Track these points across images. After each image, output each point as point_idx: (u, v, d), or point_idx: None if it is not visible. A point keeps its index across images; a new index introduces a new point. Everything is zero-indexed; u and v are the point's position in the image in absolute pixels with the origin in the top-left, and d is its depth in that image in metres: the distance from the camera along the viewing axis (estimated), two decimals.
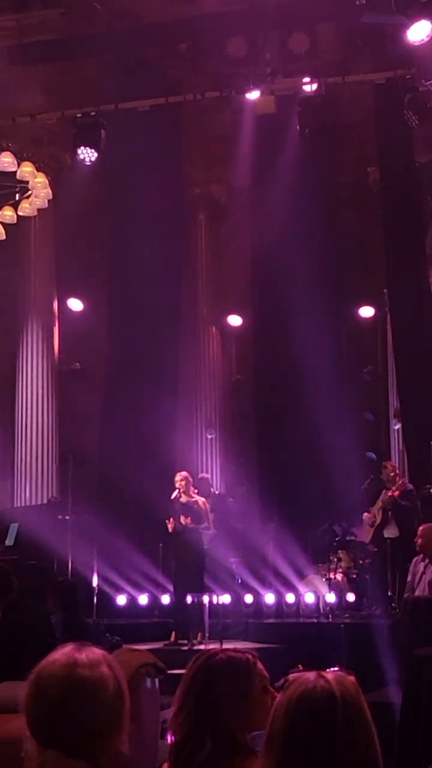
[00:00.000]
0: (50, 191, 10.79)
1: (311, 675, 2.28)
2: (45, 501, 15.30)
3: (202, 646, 10.97)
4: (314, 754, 2.15)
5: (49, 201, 11.07)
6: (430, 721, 6.05)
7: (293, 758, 2.17)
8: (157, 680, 6.59)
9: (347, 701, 2.22)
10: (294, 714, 2.20)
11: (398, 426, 16.68)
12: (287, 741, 2.19)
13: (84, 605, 13.42)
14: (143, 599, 14.35)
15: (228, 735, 2.87)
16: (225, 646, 10.88)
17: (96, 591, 13.88)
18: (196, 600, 11.82)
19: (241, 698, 3.01)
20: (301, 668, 2.37)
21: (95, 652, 2.50)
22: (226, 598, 13.69)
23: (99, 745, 2.39)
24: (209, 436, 17.59)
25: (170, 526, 12.41)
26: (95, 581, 13.88)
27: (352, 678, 2.31)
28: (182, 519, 12.34)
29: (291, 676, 2.31)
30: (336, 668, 2.37)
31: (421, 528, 11.22)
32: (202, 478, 15.56)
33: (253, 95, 13.63)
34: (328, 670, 2.35)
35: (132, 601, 14.35)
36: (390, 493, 13.28)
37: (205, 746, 2.83)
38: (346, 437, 16.30)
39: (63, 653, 2.46)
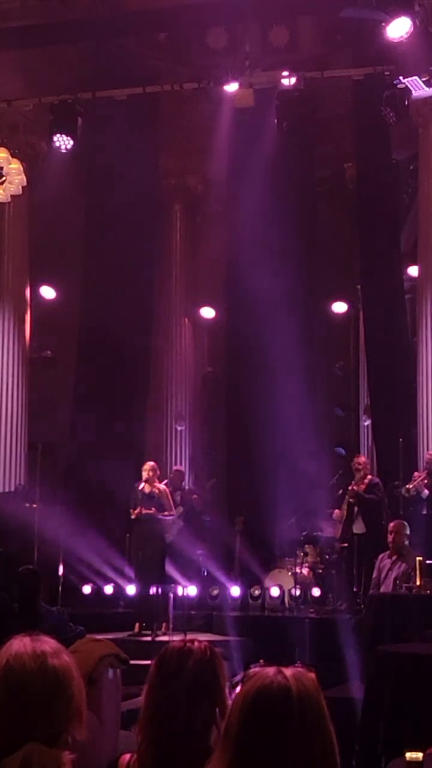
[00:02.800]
0: (24, 178, 10.71)
1: (270, 670, 2.26)
2: (12, 489, 15.21)
3: (165, 638, 10.97)
4: (268, 750, 2.14)
5: (23, 188, 10.97)
6: (392, 717, 6.07)
7: (247, 753, 2.15)
8: (119, 671, 6.57)
9: (304, 698, 2.20)
10: (249, 710, 2.19)
11: (368, 422, 16.73)
12: (242, 736, 2.17)
13: (48, 594, 13.43)
14: (108, 589, 14.31)
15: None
16: (189, 637, 10.86)
17: (61, 580, 13.84)
18: (160, 591, 11.81)
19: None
20: (262, 663, 2.35)
21: (52, 642, 2.50)
22: (191, 590, 13.70)
23: (66, 734, 2.40)
24: (179, 428, 17.58)
25: (134, 513, 12.41)
26: (61, 570, 13.83)
27: (311, 675, 2.30)
28: (143, 510, 12.35)
29: (250, 671, 2.30)
30: (297, 664, 2.36)
31: (392, 524, 11.30)
32: (177, 471, 15.57)
33: (232, 87, 13.59)
34: (290, 666, 2.34)
35: (97, 590, 14.31)
36: (352, 487, 13.32)
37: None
38: (316, 432, 16.34)
39: (24, 644, 2.44)
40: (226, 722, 2.25)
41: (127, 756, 3.04)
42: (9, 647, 2.46)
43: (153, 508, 12.44)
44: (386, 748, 5.64)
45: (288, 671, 2.26)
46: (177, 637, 10.47)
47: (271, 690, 2.20)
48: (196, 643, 3.20)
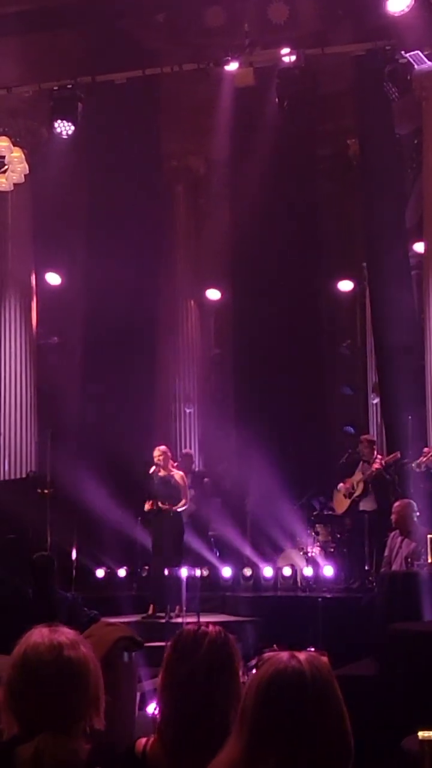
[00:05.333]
0: (26, 166, 10.68)
1: (284, 655, 2.29)
2: (24, 475, 15.26)
3: (179, 620, 11.02)
4: (283, 734, 2.17)
5: (25, 175, 10.93)
6: (406, 695, 6.10)
7: (263, 737, 2.19)
8: (134, 654, 6.61)
9: (318, 682, 2.22)
10: (264, 693, 2.22)
11: (377, 400, 16.70)
12: (257, 720, 2.20)
13: (62, 579, 13.49)
14: (122, 572, 14.37)
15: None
16: (202, 619, 10.92)
17: (75, 564, 13.90)
18: (173, 573, 11.85)
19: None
20: (275, 648, 2.37)
21: (70, 633, 2.53)
22: (204, 572, 13.75)
23: (82, 723, 2.43)
24: (188, 410, 17.57)
25: (147, 506, 12.44)
26: (74, 555, 13.89)
27: (324, 658, 2.32)
28: (160, 503, 12.38)
29: (264, 656, 2.32)
30: (311, 648, 2.37)
31: (396, 504, 11.32)
32: (186, 454, 15.58)
33: (232, 67, 13.53)
34: (303, 650, 2.35)
35: (111, 574, 14.38)
36: (376, 467, 13.28)
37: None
38: (324, 411, 16.35)
39: (41, 635, 2.48)
40: (242, 706, 2.27)
41: (143, 740, 3.06)
42: (28, 638, 2.50)
43: (168, 504, 12.44)
44: (401, 725, 5.65)
45: (302, 655, 2.29)
46: (191, 619, 10.57)
47: (286, 674, 2.23)
48: (210, 626, 3.23)
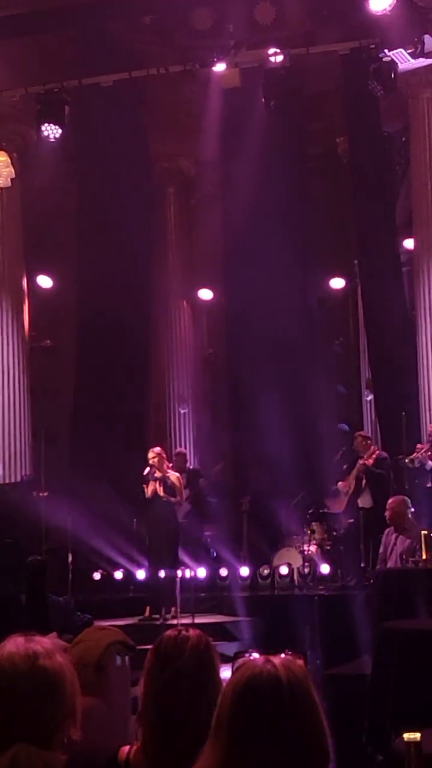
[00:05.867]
0: (13, 170, 10.70)
1: (259, 660, 2.28)
2: (19, 478, 15.25)
3: (174, 621, 11.02)
4: (260, 739, 2.17)
5: (12, 179, 10.93)
6: (399, 693, 6.11)
7: (239, 743, 2.18)
8: (127, 658, 6.60)
9: (294, 686, 2.22)
10: (240, 699, 2.21)
11: (370, 397, 16.71)
12: (233, 726, 2.20)
13: (59, 582, 13.49)
14: (118, 575, 14.37)
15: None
16: (197, 620, 10.90)
17: (71, 567, 13.89)
18: (168, 574, 11.85)
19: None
20: (251, 653, 2.37)
21: (46, 642, 2.51)
22: (200, 572, 13.75)
23: (59, 734, 2.41)
24: (182, 411, 17.57)
25: (148, 491, 12.43)
26: (70, 558, 13.89)
27: (300, 662, 2.32)
28: (158, 488, 12.38)
29: (239, 661, 2.32)
30: (286, 652, 2.37)
31: (390, 500, 11.32)
32: (179, 453, 15.56)
33: (219, 68, 13.54)
34: (278, 654, 2.36)
35: (107, 576, 14.37)
36: (363, 462, 13.33)
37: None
38: (318, 409, 16.36)
39: (16, 645, 2.46)
40: (217, 713, 2.27)
41: (126, 748, 3.06)
42: (2, 647, 2.47)
43: (164, 492, 12.46)
44: (395, 723, 5.66)
45: (277, 660, 2.28)
46: (185, 620, 10.54)
47: (261, 679, 2.23)
48: (191, 631, 3.23)
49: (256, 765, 2.16)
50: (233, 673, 2.29)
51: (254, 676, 2.23)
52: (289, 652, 2.36)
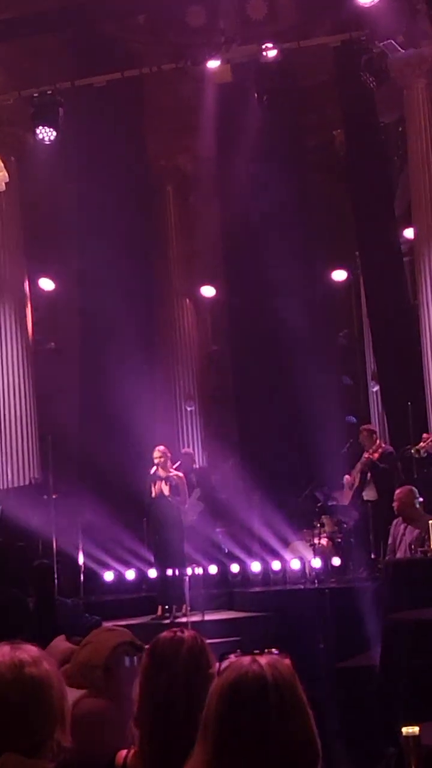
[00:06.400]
0: (6, 174, 10.69)
1: (245, 660, 2.27)
2: (27, 482, 15.27)
3: (184, 619, 11.03)
4: (247, 740, 2.16)
5: (14, 181, 10.93)
6: (408, 684, 6.10)
7: (227, 744, 2.17)
8: (135, 658, 6.61)
9: (280, 685, 2.21)
10: (226, 700, 2.20)
11: (376, 388, 16.70)
12: (220, 727, 2.19)
13: (70, 584, 13.52)
14: (130, 574, 14.38)
15: None
16: (209, 617, 10.89)
17: (82, 569, 13.92)
18: (176, 573, 11.86)
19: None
20: (239, 652, 2.36)
21: (33, 650, 2.50)
22: (212, 569, 13.77)
23: (49, 742, 2.40)
24: (188, 409, 17.57)
25: (154, 491, 12.45)
26: (81, 560, 13.91)
27: (287, 661, 2.31)
28: (162, 487, 12.40)
29: (225, 662, 2.31)
30: (273, 651, 2.36)
31: (397, 491, 11.31)
32: (186, 453, 15.56)
33: (214, 64, 13.53)
34: (264, 653, 2.35)
35: (119, 577, 14.39)
36: (368, 456, 13.31)
37: None
38: (325, 402, 16.33)
39: (2, 654, 2.45)
40: (204, 714, 2.26)
41: (123, 752, 3.06)
42: None
43: (169, 491, 12.47)
44: (405, 714, 5.66)
45: (263, 659, 2.27)
46: (195, 618, 10.53)
47: (247, 679, 2.22)
48: (186, 632, 3.23)
49: (243, 766, 2.16)
50: (219, 674, 2.29)
51: (240, 677, 2.22)
52: (276, 651, 2.34)
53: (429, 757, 3.17)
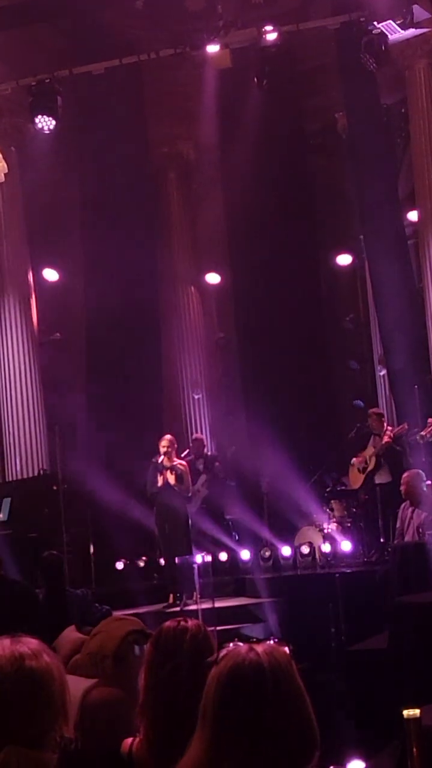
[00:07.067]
0: (5, 164, 10.65)
1: (242, 648, 2.28)
2: (36, 473, 15.29)
3: (194, 607, 11.06)
4: (245, 728, 2.16)
5: (6, 174, 10.90)
6: (413, 667, 6.10)
7: (225, 732, 2.17)
8: (146, 647, 6.62)
9: (277, 673, 2.21)
10: (223, 689, 2.21)
11: (383, 372, 16.65)
12: (218, 715, 2.19)
13: (82, 574, 13.55)
14: (141, 563, 14.40)
15: None
16: (220, 604, 10.89)
17: (93, 559, 13.95)
18: (184, 561, 11.88)
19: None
20: (237, 641, 2.36)
21: (33, 642, 2.50)
22: (222, 556, 13.79)
23: (51, 734, 2.40)
24: (196, 396, 17.55)
25: (159, 480, 12.46)
26: (91, 549, 13.94)
27: (284, 649, 2.31)
28: (168, 477, 12.41)
29: (222, 651, 2.31)
30: (272, 640, 2.36)
31: (405, 475, 11.29)
32: (196, 439, 15.57)
33: (212, 49, 13.46)
34: (263, 642, 2.34)
35: (130, 566, 14.41)
36: (385, 440, 13.27)
37: None
38: (332, 387, 16.33)
39: (2, 647, 2.45)
40: (203, 703, 2.26)
41: (129, 740, 3.07)
42: None
43: (174, 480, 12.48)
44: (408, 698, 5.65)
45: (260, 647, 2.27)
46: (206, 605, 10.53)
47: (244, 667, 2.22)
48: (189, 621, 3.23)
49: (242, 754, 2.16)
50: (216, 663, 2.28)
51: (237, 665, 2.22)
52: (275, 640, 2.34)
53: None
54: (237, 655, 2.25)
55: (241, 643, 2.31)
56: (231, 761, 2.16)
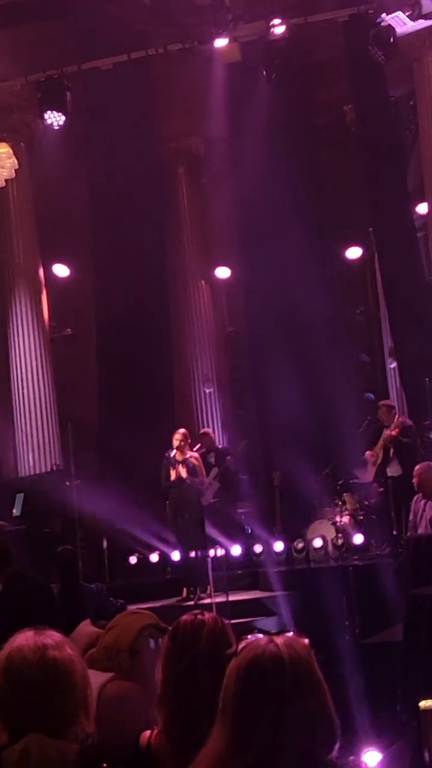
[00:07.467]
0: (15, 160, 10.66)
1: (262, 640, 2.29)
2: (49, 468, 15.33)
3: (208, 600, 11.08)
4: (265, 719, 2.17)
5: (16, 170, 10.91)
6: (428, 658, 6.11)
7: (245, 724, 2.19)
8: (161, 641, 6.64)
9: (296, 664, 2.23)
10: (243, 680, 2.23)
11: (394, 365, 16.63)
12: (238, 707, 2.21)
13: (96, 569, 13.60)
14: (154, 557, 14.43)
15: None
16: (233, 597, 10.91)
17: (107, 554, 13.98)
18: (198, 555, 11.90)
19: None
20: (256, 633, 2.37)
21: (56, 635, 2.53)
22: (235, 550, 13.80)
23: (72, 726, 2.43)
24: (207, 391, 17.55)
25: (173, 474, 12.49)
26: (105, 544, 13.97)
27: (304, 641, 2.32)
28: (181, 470, 12.43)
29: (242, 643, 2.32)
30: (290, 632, 2.37)
31: (417, 467, 11.28)
32: (204, 433, 15.58)
33: (221, 43, 13.45)
34: (281, 633, 2.36)
35: (143, 560, 14.44)
36: (390, 432, 13.29)
37: None
38: (343, 380, 16.30)
39: (26, 638, 2.48)
40: (222, 695, 2.28)
41: (147, 733, 3.08)
42: (12, 641, 2.50)
43: (187, 473, 12.51)
44: (425, 689, 5.67)
45: (279, 639, 2.29)
46: (220, 599, 10.56)
47: (263, 659, 2.24)
48: (207, 615, 3.24)
49: (262, 745, 2.17)
50: (236, 655, 2.30)
51: (256, 657, 2.24)
52: (294, 631, 2.35)
53: None
54: (257, 646, 2.27)
55: (260, 635, 2.33)
56: (251, 752, 2.17)
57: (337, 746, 2.25)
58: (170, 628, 3.30)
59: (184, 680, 3.07)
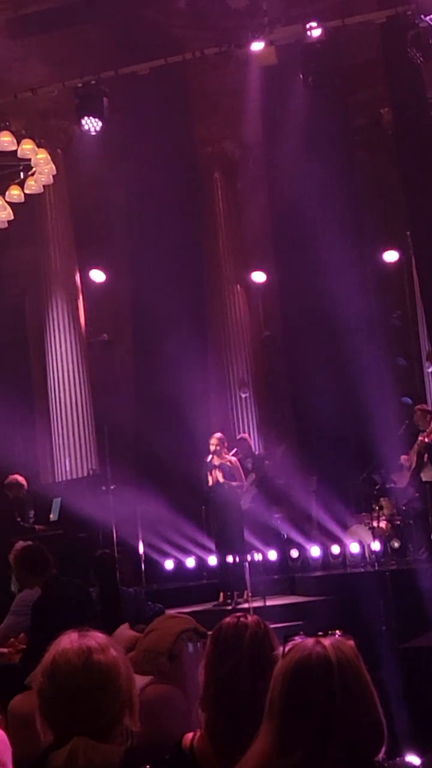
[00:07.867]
0: (53, 166, 10.67)
1: (309, 642, 2.28)
2: (85, 473, 15.37)
3: (246, 605, 11.05)
4: (313, 720, 2.17)
5: (54, 176, 10.93)
6: None
7: (292, 725, 2.18)
8: (199, 644, 6.63)
9: (343, 666, 2.22)
10: (291, 682, 2.22)
11: (431, 369, 16.53)
12: (286, 708, 2.20)
13: (132, 574, 13.59)
14: (190, 562, 14.44)
15: None
16: (270, 602, 10.89)
17: (143, 558, 13.99)
18: (237, 559, 11.87)
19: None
20: (302, 635, 2.35)
21: (100, 637, 2.52)
22: (272, 555, 13.76)
23: (118, 727, 2.43)
24: (243, 395, 17.53)
25: (211, 479, 12.47)
26: (141, 549, 13.97)
27: (350, 643, 2.31)
28: (217, 475, 12.41)
29: (289, 644, 2.31)
30: (337, 633, 2.35)
31: None
32: (241, 439, 15.55)
33: (256, 47, 13.44)
34: (329, 635, 2.33)
35: (180, 565, 14.46)
36: (423, 438, 13.19)
37: None
38: (380, 384, 16.21)
39: (70, 641, 2.48)
40: (270, 696, 2.27)
41: (190, 735, 3.07)
42: (57, 644, 2.50)
43: (223, 477, 12.49)
44: None
45: (326, 641, 2.28)
46: (257, 603, 10.52)
47: (311, 661, 2.23)
48: (249, 617, 3.23)
49: (309, 746, 2.16)
50: (283, 656, 2.29)
51: (304, 659, 2.23)
52: (340, 633, 2.33)
53: None
54: (303, 648, 2.26)
55: (307, 637, 2.31)
56: (298, 753, 2.16)
57: (384, 748, 2.23)
58: (212, 631, 3.29)
59: (227, 682, 3.07)
